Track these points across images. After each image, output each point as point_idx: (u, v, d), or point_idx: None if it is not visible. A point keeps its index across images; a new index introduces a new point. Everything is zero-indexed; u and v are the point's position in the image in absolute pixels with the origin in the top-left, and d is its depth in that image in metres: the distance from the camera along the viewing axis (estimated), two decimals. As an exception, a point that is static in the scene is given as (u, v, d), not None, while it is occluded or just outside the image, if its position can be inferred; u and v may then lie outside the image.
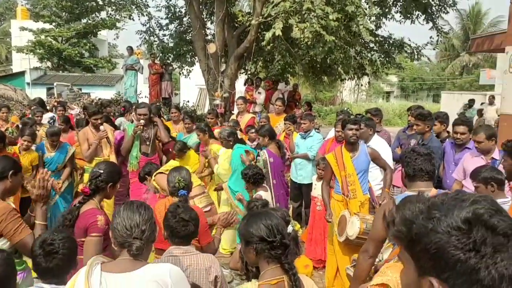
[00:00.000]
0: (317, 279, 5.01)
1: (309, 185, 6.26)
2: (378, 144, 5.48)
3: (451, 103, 19.33)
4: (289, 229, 2.30)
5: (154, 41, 13.36)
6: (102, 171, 3.07)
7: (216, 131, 6.70)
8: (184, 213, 2.62)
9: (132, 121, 7.10)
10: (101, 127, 5.79)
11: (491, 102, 15.18)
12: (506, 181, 3.61)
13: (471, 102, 15.73)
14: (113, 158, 5.80)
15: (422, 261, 0.94)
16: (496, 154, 4.40)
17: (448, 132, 5.82)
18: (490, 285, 0.87)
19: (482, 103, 15.73)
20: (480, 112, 14.81)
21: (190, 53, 13.52)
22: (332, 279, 4.61)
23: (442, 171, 5.26)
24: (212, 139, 6.26)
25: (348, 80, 14.58)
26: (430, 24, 11.45)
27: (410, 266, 0.98)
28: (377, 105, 20.07)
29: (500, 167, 3.75)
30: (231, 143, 5.53)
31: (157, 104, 8.68)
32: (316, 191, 5.63)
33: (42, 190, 2.69)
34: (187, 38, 13.22)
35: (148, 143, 5.99)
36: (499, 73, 16.81)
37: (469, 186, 4.02)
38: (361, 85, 15.71)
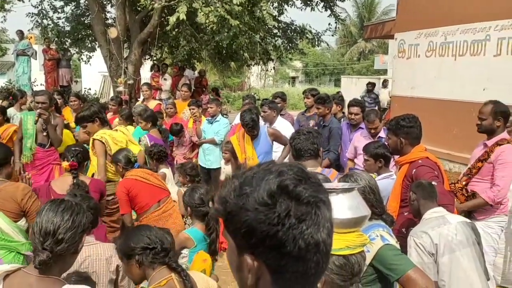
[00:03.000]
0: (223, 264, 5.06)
1: (218, 170, 6.35)
2: (282, 125, 5.73)
3: (350, 87, 20.55)
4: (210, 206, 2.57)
5: (48, 24, 12.42)
6: (81, 149, 3.61)
7: (116, 120, 6.47)
8: (82, 202, 2.53)
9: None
10: None
11: (385, 86, 16.41)
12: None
13: (371, 86, 16.82)
14: None
15: (237, 239, 0.91)
16: (382, 133, 4.81)
17: (343, 112, 6.24)
18: (298, 255, 0.87)
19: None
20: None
21: (90, 38, 12.81)
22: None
23: (341, 150, 5.64)
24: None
25: (254, 65, 14.88)
26: (329, 11, 12.02)
27: (231, 244, 0.95)
28: (283, 90, 20.69)
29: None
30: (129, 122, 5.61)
31: (54, 92, 8.09)
32: (224, 175, 5.73)
33: None
34: (86, 21, 12.48)
35: (45, 133, 5.60)
36: (390, 58, 18.18)
37: (360, 163, 4.36)
38: (267, 70, 16.08)
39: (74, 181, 3.20)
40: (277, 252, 0.87)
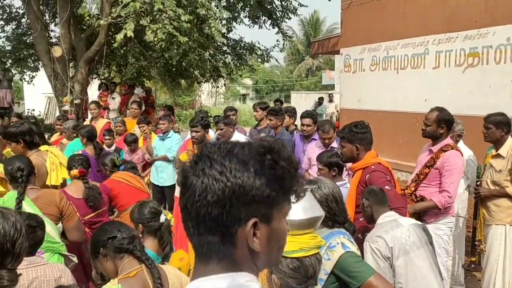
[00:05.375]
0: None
1: (172, 187, 6.22)
2: (240, 139, 5.71)
3: (299, 102, 21.05)
4: (162, 218, 2.72)
5: (-13, 44, 11.87)
6: (85, 158, 3.95)
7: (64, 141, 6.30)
8: (29, 219, 2.41)
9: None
10: None
11: (331, 100, 16.95)
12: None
13: (321, 100, 17.30)
14: None
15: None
16: (334, 143, 4.92)
17: (295, 125, 6.34)
18: None
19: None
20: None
21: (33, 57, 12.34)
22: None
23: (294, 161, 5.69)
24: None
25: (204, 82, 14.87)
26: (276, 29, 12.29)
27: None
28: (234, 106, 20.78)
29: None
30: (74, 135, 5.53)
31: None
32: (179, 191, 5.63)
33: None
34: (28, 41, 12.03)
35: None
36: (337, 73, 18.77)
37: (314, 174, 4.43)
38: (218, 87, 16.12)
39: (86, 185, 3.67)
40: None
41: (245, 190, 0.90)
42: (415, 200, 3.90)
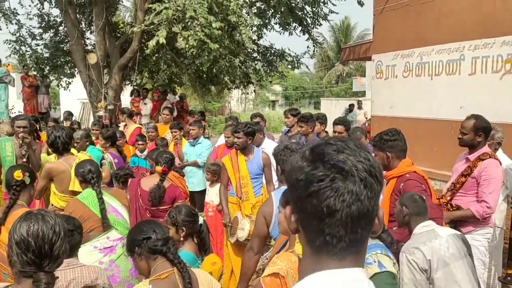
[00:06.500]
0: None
1: (202, 192, 6.26)
2: (270, 145, 5.70)
3: (329, 109, 20.88)
4: (201, 220, 2.83)
5: (26, 51, 12.30)
6: (172, 156, 4.14)
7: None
8: (67, 222, 2.46)
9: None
10: None
11: (360, 107, 16.72)
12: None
13: (351, 106, 17.10)
14: None
15: None
16: None
17: (326, 132, 6.27)
18: None
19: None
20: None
21: (69, 64, 12.73)
22: (227, 280, 4.66)
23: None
24: None
25: (234, 89, 14.95)
26: (307, 35, 12.25)
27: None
28: (264, 113, 20.80)
29: None
30: (87, 143, 5.69)
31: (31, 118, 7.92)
32: (209, 197, 5.65)
33: None
34: (65, 48, 12.43)
35: (25, 160, 5.47)
36: (368, 80, 18.55)
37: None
38: (248, 93, 16.19)
39: (159, 184, 3.92)
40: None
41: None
42: (451, 209, 3.79)
